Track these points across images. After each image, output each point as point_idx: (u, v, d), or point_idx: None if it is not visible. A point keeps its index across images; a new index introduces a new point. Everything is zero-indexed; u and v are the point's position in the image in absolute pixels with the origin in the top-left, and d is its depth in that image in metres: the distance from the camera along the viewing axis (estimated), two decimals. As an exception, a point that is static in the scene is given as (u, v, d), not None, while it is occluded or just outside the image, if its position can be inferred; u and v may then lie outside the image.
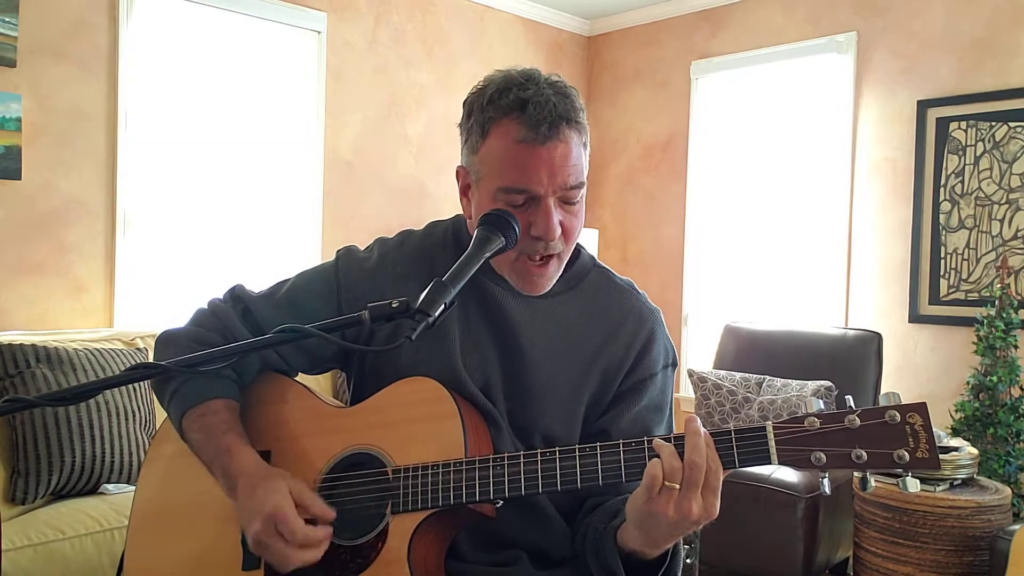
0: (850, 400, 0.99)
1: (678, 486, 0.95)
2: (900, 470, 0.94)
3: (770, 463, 0.97)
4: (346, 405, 1.24)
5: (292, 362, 1.27)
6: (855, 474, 2.81)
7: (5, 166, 2.93)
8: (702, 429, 0.97)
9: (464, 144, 1.19)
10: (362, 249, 1.32)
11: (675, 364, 1.29)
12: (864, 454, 0.94)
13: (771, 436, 0.97)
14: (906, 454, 0.93)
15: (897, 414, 0.94)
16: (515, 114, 1.11)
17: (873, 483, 0.96)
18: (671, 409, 1.28)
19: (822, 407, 0.98)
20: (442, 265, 1.22)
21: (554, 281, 1.21)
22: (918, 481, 0.93)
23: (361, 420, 1.17)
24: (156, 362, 0.97)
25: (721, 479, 0.96)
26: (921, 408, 0.94)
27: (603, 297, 1.26)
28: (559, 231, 1.13)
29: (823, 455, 0.96)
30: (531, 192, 1.11)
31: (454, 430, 1.10)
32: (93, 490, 2.54)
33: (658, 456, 0.97)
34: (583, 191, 1.16)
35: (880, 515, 2.79)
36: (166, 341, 1.24)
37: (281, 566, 1.05)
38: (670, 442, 0.99)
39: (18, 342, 2.58)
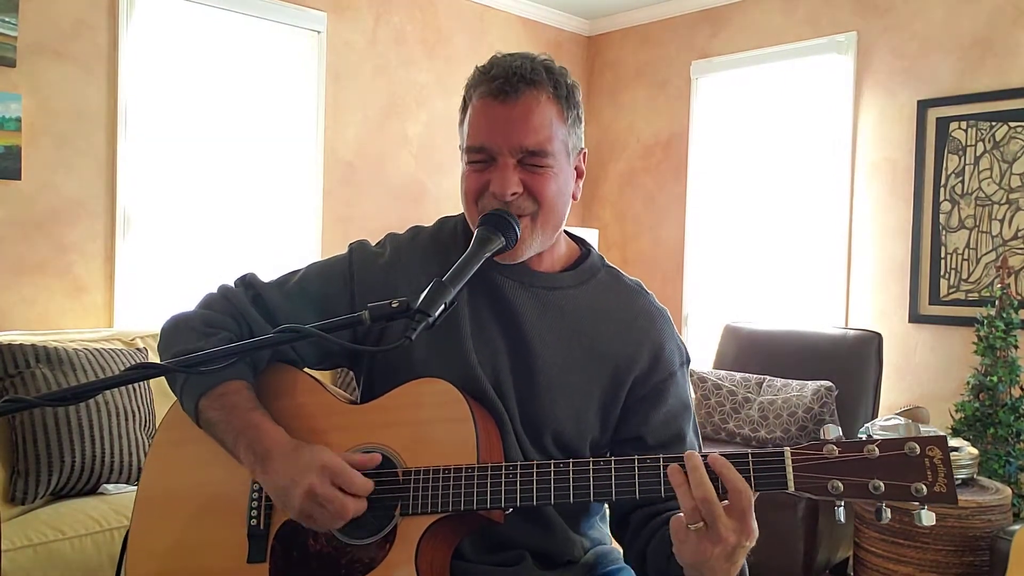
0: (869, 428, 0.98)
1: (702, 524, 0.94)
2: (916, 503, 0.93)
3: (787, 489, 0.96)
4: (357, 401, 1.24)
5: (303, 354, 1.26)
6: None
7: (5, 166, 2.92)
8: (700, 461, 0.96)
9: (458, 123, 1.22)
10: (373, 244, 1.32)
11: (689, 361, 1.29)
12: (882, 485, 0.94)
13: (789, 462, 0.97)
14: (924, 487, 0.92)
15: (917, 447, 0.93)
16: (482, 77, 1.15)
17: (889, 514, 0.94)
18: (694, 406, 1.27)
19: (840, 434, 0.97)
20: (452, 260, 1.22)
21: (532, 246, 1.19)
22: (934, 515, 0.92)
23: (373, 418, 1.17)
24: (156, 362, 0.98)
25: (751, 498, 0.95)
26: (941, 441, 0.93)
27: (612, 295, 1.26)
28: (515, 188, 1.13)
29: (840, 484, 0.95)
30: (488, 149, 1.13)
31: (466, 434, 1.10)
32: (93, 490, 2.53)
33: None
34: (552, 159, 1.15)
35: (880, 515, 2.79)
36: (176, 324, 1.24)
37: (335, 520, 1.06)
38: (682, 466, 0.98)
39: (18, 342, 2.58)
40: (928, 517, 0.92)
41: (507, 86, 1.12)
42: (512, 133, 1.12)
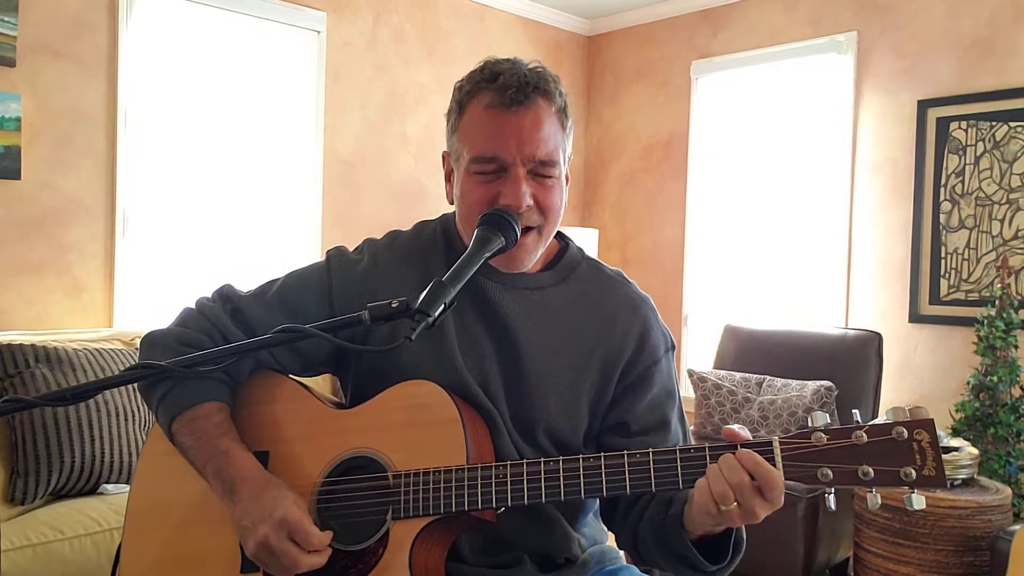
0: (857, 415, 0.97)
1: (734, 505, 0.95)
2: (906, 487, 0.93)
3: None
4: (346, 405, 1.23)
5: (285, 363, 1.25)
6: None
7: (4, 166, 2.92)
8: (736, 462, 0.96)
9: (447, 128, 1.21)
10: (351, 250, 1.31)
11: (674, 347, 1.29)
12: (871, 471, 0.94)
13: (777, 451, 0.97)
14: (913, 471, 0.92)
15: (904, 431, 0.93)
16: (486, 84, 1.13)
17: (879, 500, 0.95)
18: (679, 393, 1.28)
19: (828, 421, 0.97)
20: (433, 264, 1.22)
21: (535, 257, 1.20)
22: (924, 498, 0.92)
23: (361, 422, 1.16)
24: (156, 362, 0.97)
25: (779, 482, 0.95)
26: (928, 425, 0.93)
27: (595, 288, 1.26)
28: (528, 201, 1.13)
29: (830, 471, 0.95)
30: (500, 159, 1.12)
31: (455, 435, 1.09)
32: (92, 490, 2.53)
33: (705, 477, 0.97)
34: (558, 170, 1.16)
35: (880, 515, 2.79)
36: (151, 343, 1.22)
37: (287, 571, 1.05)
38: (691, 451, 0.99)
39: (17, 342, 2.58)
40: (919, 501, 0.92)
41: (520, 95, 1.10)
42: (525, 143, 1.11)
